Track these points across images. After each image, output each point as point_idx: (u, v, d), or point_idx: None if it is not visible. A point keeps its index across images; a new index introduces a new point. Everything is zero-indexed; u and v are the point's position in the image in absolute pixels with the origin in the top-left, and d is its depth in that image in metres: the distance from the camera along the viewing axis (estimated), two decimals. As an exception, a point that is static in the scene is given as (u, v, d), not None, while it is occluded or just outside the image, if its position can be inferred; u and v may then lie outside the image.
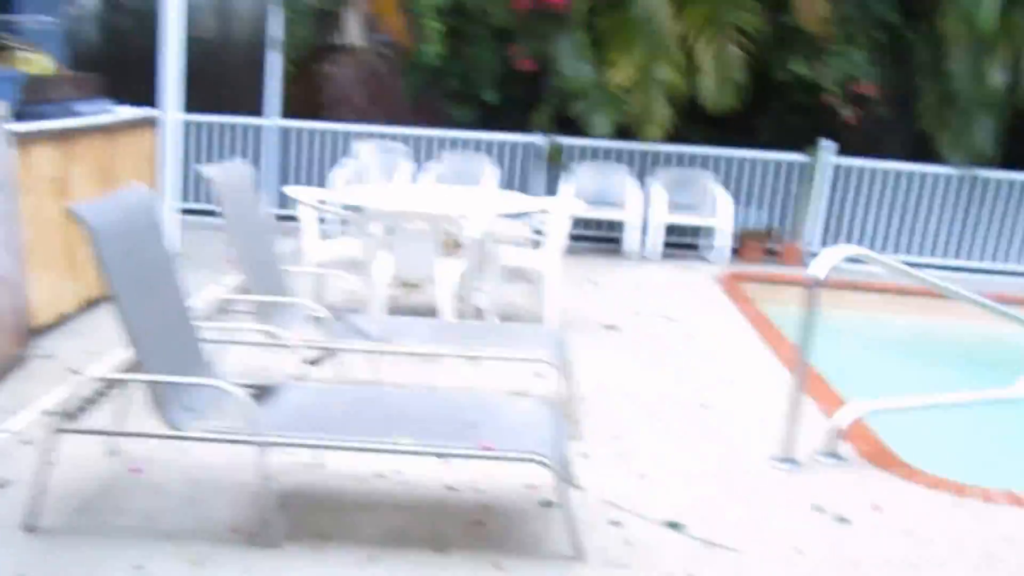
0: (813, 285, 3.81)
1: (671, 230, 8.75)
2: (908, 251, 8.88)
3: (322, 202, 6.20)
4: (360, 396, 3.43)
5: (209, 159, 8.80)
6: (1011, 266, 8.82)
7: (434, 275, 5.21)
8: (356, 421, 3.12)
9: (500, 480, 3.49)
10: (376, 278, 5.23)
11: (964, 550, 3.25)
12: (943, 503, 3.63)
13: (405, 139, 8.94)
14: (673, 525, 3.26)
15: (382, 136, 8.90)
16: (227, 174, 4.15)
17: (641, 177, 8.84)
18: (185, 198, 8.46)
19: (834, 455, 4.01)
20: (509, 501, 3.35)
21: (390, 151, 8.71)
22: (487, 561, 2.90)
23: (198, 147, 8.86)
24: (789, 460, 3.92)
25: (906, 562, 3.13)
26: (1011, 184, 8.68)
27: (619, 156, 8.92)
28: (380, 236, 5.31)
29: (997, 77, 8.04)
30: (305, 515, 3.14)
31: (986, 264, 8.84)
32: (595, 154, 8.92)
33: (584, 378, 4.70)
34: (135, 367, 3.00)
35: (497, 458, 3.00)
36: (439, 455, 3.35)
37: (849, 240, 8.83)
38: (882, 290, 7.77)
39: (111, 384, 4.02)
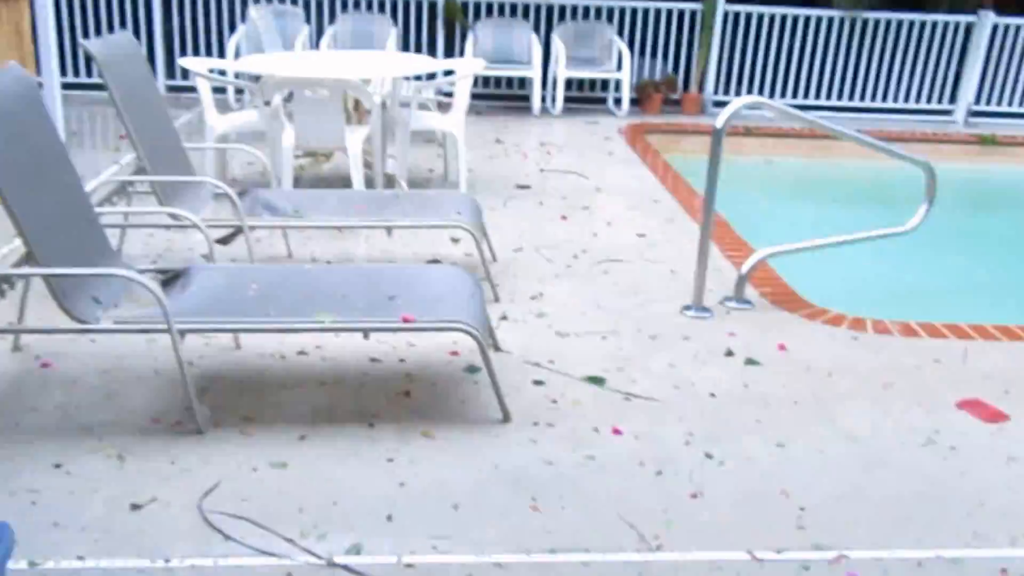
0: (716, 135, 3.85)
1: (574, 84, 8.67)
2: (803, 95, 9.04)
3: (219, 72, 5.90)
4: (275, 274, 3.36)
5: (88, 32, 8.24)
6: (896, 104, 9.08)
7: (341, 143, 5.07)
8: (273, 300, 3.06)
9: (423, 349, 3.53)
10: (281, 150, 5.06)
11: (864, 381, 3.46)
12: (843, 338, 3.84)
13: (299, 1, 8.50)
14: (594, 380, 3.37)
15: (273, -1, 8.45)
16: (111, 48, 3.89)
17: (542, 33, 8.65)
18: (71, 72, 8.00)
19: (742, 300, 4.16)
20: (433, 370, 3.39)
21: (284, 15, 8.29)
22: (416, 431, 2.95)
23: (75, 18, 8.26)
24: (700, 308, 4.05)
25: (812, 397, 3.31)
26: (891, 24, 8.85)
27: (518, 11, 8.68)
28: (282, 105, 5.10)
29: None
30: (228, 399, 3.12)
31: (874, 104, 9.08)
32: (495, 10, 8.66)
33: (499, 240, 4.72)
34: (31, 260, 2.87)
35: (421, 329, 3.01)
36: (363, 331, 3.35)
37: (741, 86, 8.92)
38: (777, 135, 7.94)
39: (6, 278, 3.85)
